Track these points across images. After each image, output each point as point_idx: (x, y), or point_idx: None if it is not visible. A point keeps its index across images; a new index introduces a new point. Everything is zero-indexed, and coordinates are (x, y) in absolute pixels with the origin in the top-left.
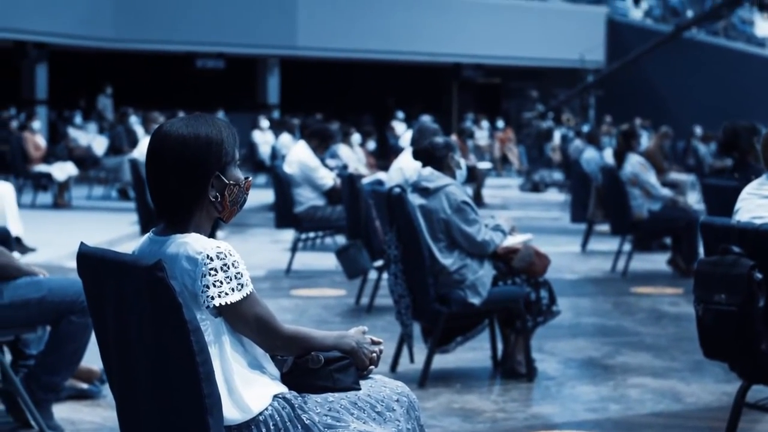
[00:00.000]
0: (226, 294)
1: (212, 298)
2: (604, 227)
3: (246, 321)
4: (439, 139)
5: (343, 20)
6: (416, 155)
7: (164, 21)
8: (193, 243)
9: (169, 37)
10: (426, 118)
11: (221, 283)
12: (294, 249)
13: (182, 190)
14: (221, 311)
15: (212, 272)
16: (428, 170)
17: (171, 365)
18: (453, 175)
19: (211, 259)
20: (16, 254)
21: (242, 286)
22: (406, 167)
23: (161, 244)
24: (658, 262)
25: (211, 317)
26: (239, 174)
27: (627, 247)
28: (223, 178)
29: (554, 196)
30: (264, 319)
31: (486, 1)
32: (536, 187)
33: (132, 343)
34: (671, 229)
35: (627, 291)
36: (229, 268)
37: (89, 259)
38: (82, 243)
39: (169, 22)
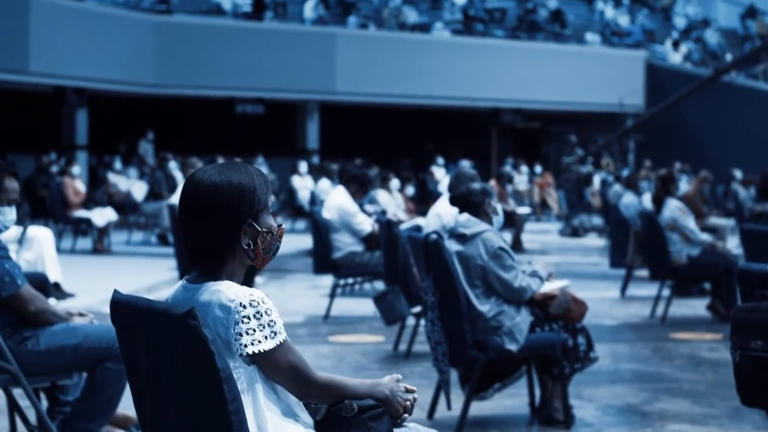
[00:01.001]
0: (259, 342)
1: (245, 346)
2: (644, 272)
3: (279, 369)
4: (476, 185)
5: (381, 65)
6: (453, 201)
7: (204, 66)
8: (226, 291)
9: (209, 82)
10: (465, 164)
11: (254, 330)
12: (332, 295)
13: (215, 238)
14: (254, 359)
15: (245, 320)
16: (465, 216)
17: (203, 413)
18: (490, 221)
19: (244, 307)
20: (52, 300)
21: (275, 334)
22: (443, 213)
23: (194, 291)
24: (697, 307)
25: (244, 365)
26: (272, 221)
27: (666, 292)
28: (256, 225)
29: (593, 241)
30: (297, 367)
31: (524, 45)
32: (575, 232)
33: (165, 391)
34: (710, 274)
35: (666, 336)
36: (262, 315)
37: (122, 306)
38: (115, 291)
39: (209, 68)
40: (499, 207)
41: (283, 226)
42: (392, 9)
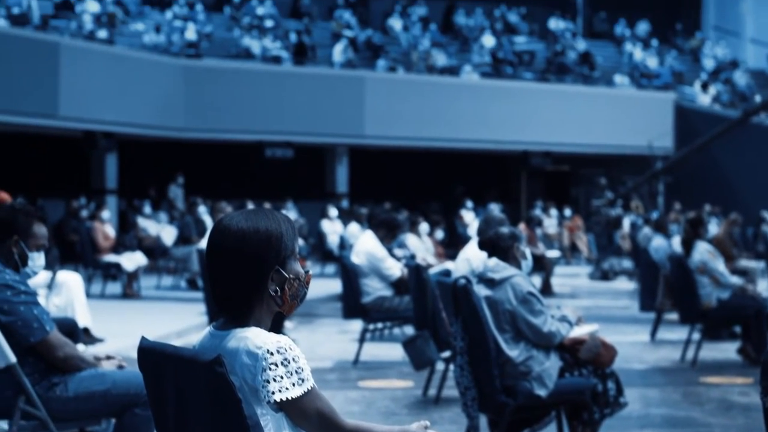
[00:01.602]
0: (287, 389)
1: (273, 393)
2: (673, 316)
3: (307, 416)
4: (505, 230)
5: (410, 108)
6: (482, 246)
7: (233, 110)
8: (253, 338)
9: (239, 126)
10: (494, 207)
11: (282, 377)
12: (362, 339)
13: (242, 285)
14: (282, 406)
15: (273, 367)
16: (494, 261)
17: None
18: (519, 266)
19: (272, 354)
20: (81, 346)
21: (303, 381)
22: (472, 257)
23: (221, 338)
24: (727, 351)
25: (271, 412)
26: (299, 268)
27: (696, 335)
28: (283, 272)
29: (623, 284)
30: (325, 414)
31: (553, 88)
32: (605, 276)
33: None
34: (741, 317)
35: (696, 381)
36: (289, 362)
37: (150, 353)
38: (143, 337)
39: (239, 112)
40: (527, 251)
41: (311, 272)
42: (421, 52)
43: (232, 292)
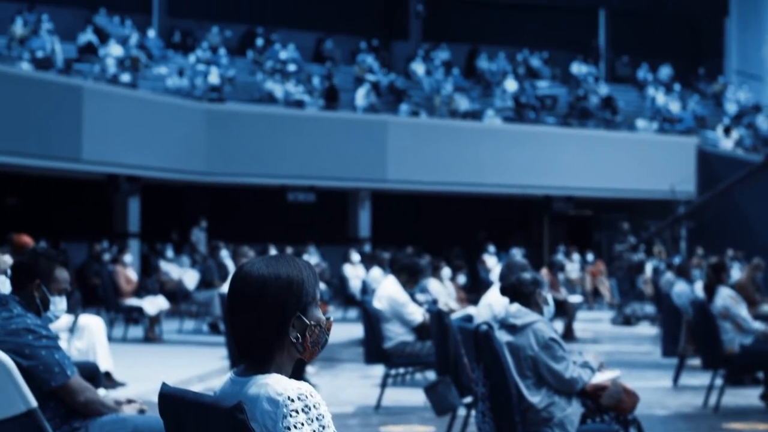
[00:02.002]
0: None
1: None
2: (696, 361)
3: None
4: (527, 275)
5: (433, 153)
6: (503, 291)
7: (256, 154)
8: (274, 384)
9: (261, 170)
10: (516, 252)
11: (302, 424)
12: (383, 385)
13: (263, 331)
14: None
15: (293, 414)
16: (515, 306)
17: None
18: (540, 312)
19: (293, 401)
20: (102, 390)
21: (324, 428)
22: (494, 303)
23: (242, 385)
24: (750, 397)
25: None
26: (320, 314)
27: (719, 381)
28: (304, 318)
29: (646, 329)
30: None
31: (576, 132)
32: (628, 321)
33: None
34: (764, 363)
35: (719, 427)
36: (310, 409)
37: (171, 399)
38: (163, 384)
39: (261, 156)
40: (549, 297)
41: (332, 319)
42: (443, 97)
43: (253, 339)
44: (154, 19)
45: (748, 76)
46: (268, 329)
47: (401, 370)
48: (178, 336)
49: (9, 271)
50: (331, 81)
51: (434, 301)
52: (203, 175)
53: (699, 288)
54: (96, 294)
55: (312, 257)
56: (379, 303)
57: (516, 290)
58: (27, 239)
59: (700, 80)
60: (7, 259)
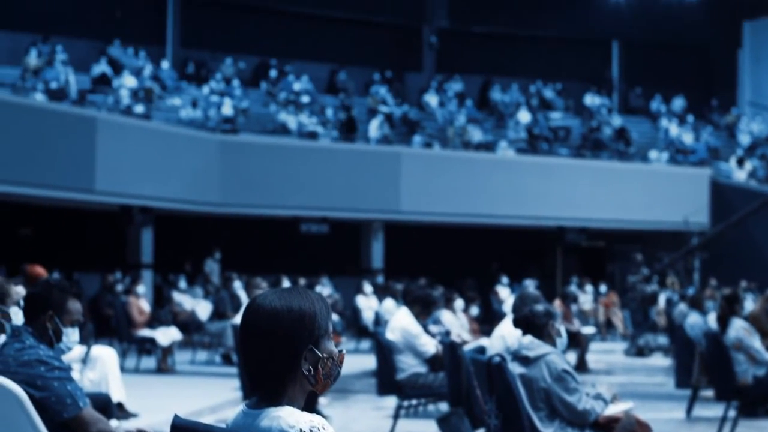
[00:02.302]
0: None
1: None
2: (709, 393)
3: None
4: (540, 307)
5: (446, 184)
6: (516, 323)
7: (269, 185)
8: (286, 417)
9: (274, 201)
10: (529, 283)
11: None
12: (396, 416)
13: (275, 364)
14: None
15: None
16: (528, 338)
17: None
18: (553, 343)
19: None
20: (114, 421)
21: None
22: (507, 335)
23: (254, 417)
24: (764, 428)
25: None
26: (333, 347)
27: (732, 413)
28: (317, 351)
29: (659, 360)
30: None
31: (589, 163)
32: (641, 352)
33: None
34: None
35: None
36: None
37: (182, 431)
38: (175, 415)
39: (274, 187)
40: (562, 329)
41: (344, 351)
42: (457, 128)
43: (265, 371)
44: (167, 51)
45: (761, 107)
46: (280, 362)
47: (414, 402)
48: (190, 367)
49: (22, 302)
50: (350, 113)
51: (447, 333)
52: (217, 206)
53: (712, 319)
54: (109, 325)
55: (325, 288)
56: (392, 334)
57: (529, 322)
58: (40, 270)
59: (713, 112)
60: (20, 290)
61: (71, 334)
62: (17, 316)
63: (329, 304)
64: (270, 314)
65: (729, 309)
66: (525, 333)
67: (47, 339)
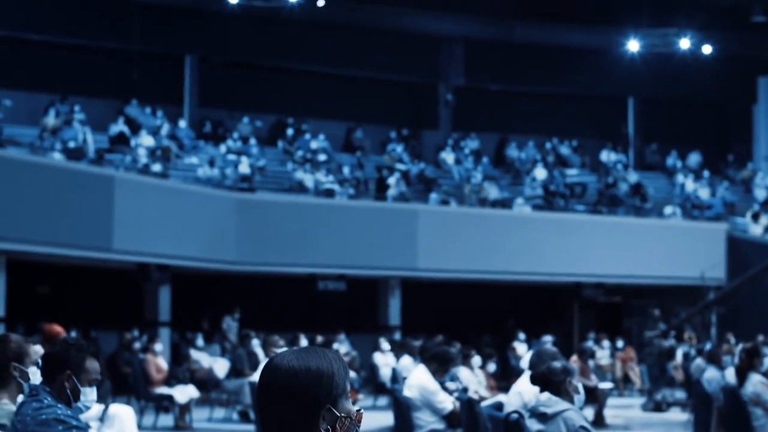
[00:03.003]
0: None
1: None
2: None
3: None
4: (557, 364)
5: (463, 241)
6: (534, 380)
7: (286, 243)
8: None
9: (291, 259)
10: (546, 339)
11: None
12: None
13: (293, 423)
14: None
15: None
16: (546, 395)
17: None
18: (571, 400)
19: None
20: None
21: None
22: (525, 391)
23: None
24: None
25: None
26: (351, 406)
27: None
28: (335, 411)
29: (677, 415)
30: None
31: (605, 219)
32: (659, 407)
33: None
34: None
35: None
36: None
37: None
38: None
39: (291, 245)
40: (580, 386)
41: (362, 411)
42: (473, 185)
43: (282, 430)
44: (185, 110)
45: None
46: (298, 421)
47: None
48: (208, 424)
49: (40, 362)
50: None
51: (464, 389)
52: (234, 264)
53: (730, 374)
54: (126, 382)
55: (342, 345)
56: (409, 391)
57: (546, 379)
58: (58, 329)
59: (728, 167)
60: (38, 350)
61: (89, 393)
62: (35, 376)
63: (346, 363)
64: (288, 374)
65: (748, 362)
66: (543, 390)
67: (65, 398)
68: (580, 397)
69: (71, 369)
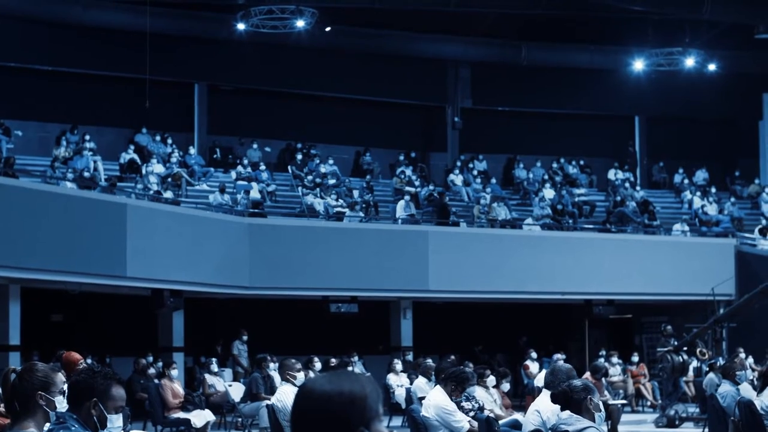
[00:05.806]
0: None
1: None
2: None
3: None
4: (578, 382)
5: (473, 262)
6: (554, 399)
7: (298, 267)
8: None
9: (303, 283)
10: (559, 357)
11: None
12: None
13: None
14: None
15: None
16: (567, 413)
17: None
18: (592, 418)
19: None
20: None
21: None
22: (543, 409)
23: None
24: None
25: None
26: (383, 428)
27: None
28: None
29: (690, 430)
30: None
31: (614, 237)
32: (671, 422)
33: None
34: None
35: None
36: None
37: None
38: None
39: (303, 268)
40: (600, 403)
41: None
42: (482, 206)
43: None
44: (195, 137)
45: None
46: None
47: None
48: None
49: (65, 389)
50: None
51: (481, 408)
52: (246, 288)
53: (743, 389)
54: (142, 408)
55: (355, 367)
56: (426, 412)
57: (567, 397)
58: (76, 356)
59: (735, 183)
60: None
61: (115, 421)
62: (62, 404)
63: (379, 388)
64: (321, 398)
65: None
66: (563, 408)
67: (92, 425)
68: (601, 414)
69: (97, 396)
